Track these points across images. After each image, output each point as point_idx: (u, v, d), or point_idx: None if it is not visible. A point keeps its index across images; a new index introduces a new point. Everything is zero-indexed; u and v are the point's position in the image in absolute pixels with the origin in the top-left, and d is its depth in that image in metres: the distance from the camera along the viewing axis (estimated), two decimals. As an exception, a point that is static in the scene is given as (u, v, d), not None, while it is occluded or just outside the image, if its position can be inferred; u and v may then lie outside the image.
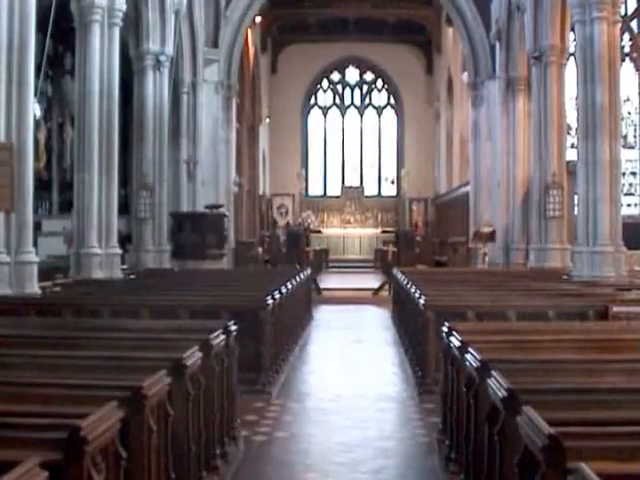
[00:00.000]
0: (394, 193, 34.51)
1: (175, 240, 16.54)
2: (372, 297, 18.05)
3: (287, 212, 32.96)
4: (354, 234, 31.34)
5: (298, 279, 11.59)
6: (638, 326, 6.25)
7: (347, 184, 34.42)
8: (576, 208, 14.16)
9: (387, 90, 34.79)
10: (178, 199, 18.26)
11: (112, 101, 12.76)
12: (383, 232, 30.71)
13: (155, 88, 16.25)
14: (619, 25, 12.46)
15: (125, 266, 14.34)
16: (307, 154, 34.84)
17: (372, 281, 20.65)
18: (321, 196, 34.53)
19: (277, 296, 8.56)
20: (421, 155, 33.23)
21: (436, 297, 8.26)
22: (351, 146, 35.11)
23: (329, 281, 21.27)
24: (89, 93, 12.37)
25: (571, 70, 15.61)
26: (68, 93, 19.27)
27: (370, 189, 34.53)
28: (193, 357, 4.22)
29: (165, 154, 16.56)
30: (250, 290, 9.36)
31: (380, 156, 35.11)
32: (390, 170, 35.05)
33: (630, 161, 21.05)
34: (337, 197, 33.71)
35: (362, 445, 5.74)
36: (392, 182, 34.98)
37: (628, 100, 21.07)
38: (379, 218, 33.37)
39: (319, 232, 30.82)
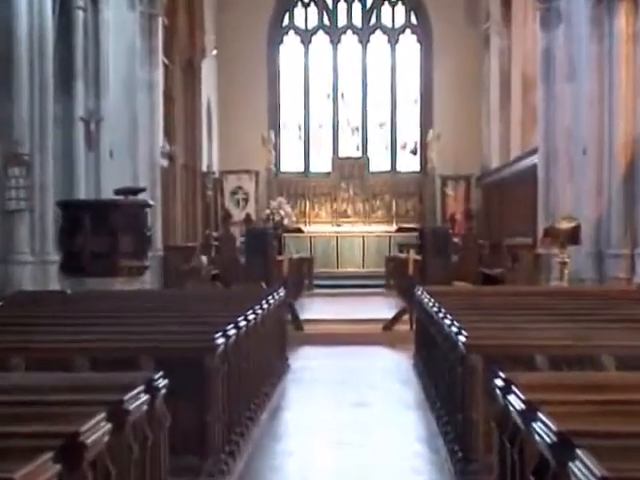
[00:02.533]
0: (417, 168, 34.65)
1: (67, 245, 16.48)
2: (382, 333, 18.09)
3: (247, 200, 32.97)
4: (354, 234, 31.44)
5: (266, 306, 11.63)
6: None
7: (342, 154, 34.55)
8: None
9: (405, 3, 34.90)
10: (71, 180, 18.19)
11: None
12: (400, 230, 30.78)
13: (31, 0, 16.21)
14: None
15: (-14, 287, 14.29)
16: (278, 107, 34.88)
17: (382, 308, 20.72)
18: (301, 173, 34.61)
19: (232, 333, 8.56)
20: (460, 107, 33.31)
21: (485, 333, 8.29)
22: (348, 94, 35.22)
23: (315, 309, 21.33)
24: None
25: None
26: None
27: (379, 162, 34.67)
28: (97, 431, 4.21)
29: (49, 108, 16.50)
30: (189, 324, 9.37)
31: (394, 110, 35.22)
32: (411, 132, 35.17)
33: None
34: (327, 175, 33.81)
35: None
36: (413, 151, 35.10)
37: None
38: (393, 208, 33.47)
39: (299, 231, 30.84)
